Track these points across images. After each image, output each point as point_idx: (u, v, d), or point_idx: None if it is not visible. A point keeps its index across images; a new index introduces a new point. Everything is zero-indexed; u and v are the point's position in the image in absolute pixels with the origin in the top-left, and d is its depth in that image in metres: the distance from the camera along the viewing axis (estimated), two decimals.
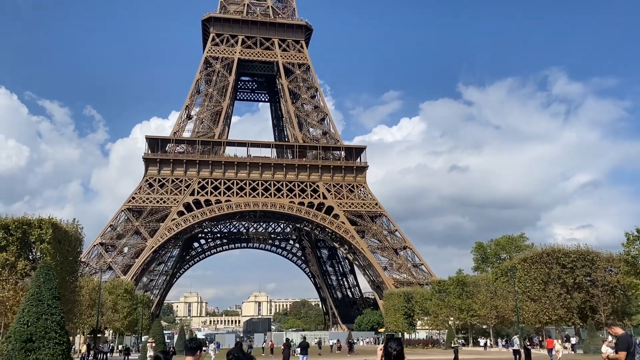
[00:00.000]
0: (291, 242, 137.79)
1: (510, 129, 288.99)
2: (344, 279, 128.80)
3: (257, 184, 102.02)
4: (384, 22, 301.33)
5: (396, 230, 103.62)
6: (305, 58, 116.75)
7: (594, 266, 43.17)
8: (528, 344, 30.80)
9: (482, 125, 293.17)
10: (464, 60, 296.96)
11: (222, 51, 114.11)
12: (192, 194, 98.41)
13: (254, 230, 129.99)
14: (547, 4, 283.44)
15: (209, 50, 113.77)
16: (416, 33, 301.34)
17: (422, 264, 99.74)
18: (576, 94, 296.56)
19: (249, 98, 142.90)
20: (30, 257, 31.59)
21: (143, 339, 58.70)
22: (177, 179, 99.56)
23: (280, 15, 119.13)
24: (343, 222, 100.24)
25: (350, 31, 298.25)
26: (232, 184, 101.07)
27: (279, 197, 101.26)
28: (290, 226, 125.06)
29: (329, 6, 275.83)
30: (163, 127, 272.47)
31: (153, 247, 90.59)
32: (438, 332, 68.74)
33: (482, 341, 57.41)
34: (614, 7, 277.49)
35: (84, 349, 41.17)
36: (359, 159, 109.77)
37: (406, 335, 70.64)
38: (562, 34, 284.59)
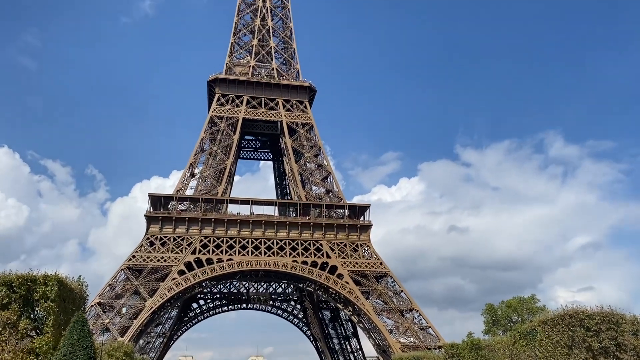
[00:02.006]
0: (292, 303, 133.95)
1: (508, 190, 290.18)
2: (347, 343, 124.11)
3: (260, 243, 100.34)
4: (383, 85, 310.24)
5: (402, 291, 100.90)
6: (309, 118, 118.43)
7: (619, 329, 41.21)
8: None
9: (481, 186, 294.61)
10: (461, 122, 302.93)
11: (227, 111, 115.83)
12: (193, 252, 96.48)
13: (254, 291, 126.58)
14: (540, 69, 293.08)
15: (214, 109, 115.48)
16: (414, 95, 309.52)
17: (429, 327, 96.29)
18: (573, 156, 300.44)
19: (252, 157, 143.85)
20: (33, 316, 29.88)
21: None
22: (178, 237, 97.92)
23: (284, 77, 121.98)
24: (347, 282, 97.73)
25: (351, 93, 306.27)
26: (235, 242, 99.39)
27: (281, 256, 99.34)
28: (292, 286, 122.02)
29: (330, 68, 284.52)
30: (164, 186, 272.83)
31: (152, 307, 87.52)
32: None
33: None
34: (606, 73, 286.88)
35: None
36: (362, 217, 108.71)
37: None
38: (556, 98, 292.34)
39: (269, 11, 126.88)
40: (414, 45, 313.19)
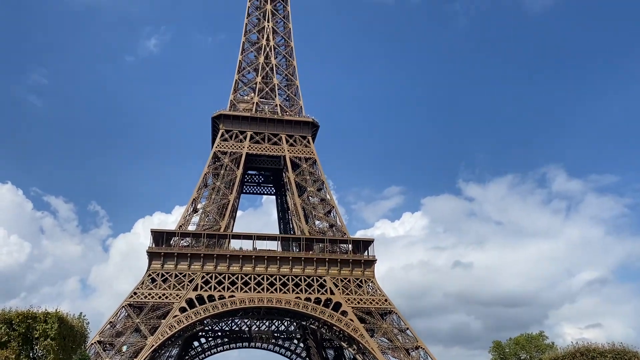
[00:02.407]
0: (295, 341, 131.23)
1: (512, 224, 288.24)
2: None
3: (262, 279, 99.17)
4: (385, 119, 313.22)
5: (407, 328, 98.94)
6: (312, 152, 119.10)
7: None
8: None
9: (484, 221, 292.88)
10: (463, 157, 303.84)
11: (231, 146, 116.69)
12: (195, 289, 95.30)
13: (256, 329, 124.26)
14: (541, 103, 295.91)
15: (218, 145, 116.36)
16: (416, 130, 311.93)
17: None
18: (576, 190, 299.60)
19: (255, 191, 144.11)
20: (32, 354, 29.21)
21: None
22: (180, 273, 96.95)
23: (287, 113, 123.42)
24: (351, 320, 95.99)
25: (353, 128, 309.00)
26: (237, 278, 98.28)
27: (284, 293, 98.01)
28: (295, 324, 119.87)
29: (333, 103, 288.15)
30: (166, 222, 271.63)
31: (153, 345, 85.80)
32: None
33: None
34: (606, 107, 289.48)
35: None
36: (366, 252, 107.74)
37: None
38: (558, 132, 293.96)
39: (272, 49, 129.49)
40: (416, 80, 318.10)
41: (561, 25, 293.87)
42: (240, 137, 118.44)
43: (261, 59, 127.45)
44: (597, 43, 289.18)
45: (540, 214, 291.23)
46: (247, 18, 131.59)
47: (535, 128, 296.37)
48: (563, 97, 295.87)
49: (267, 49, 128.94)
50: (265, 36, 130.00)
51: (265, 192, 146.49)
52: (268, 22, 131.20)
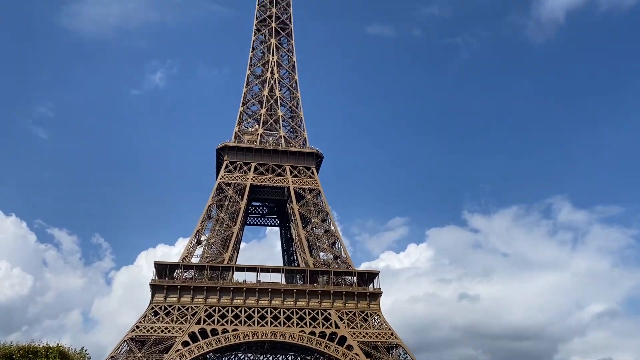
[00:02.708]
0: None
1: (518, 256, 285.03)
2: None
3: (266, 312, 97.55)
4: (389, 150, 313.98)
5: None
6: (316, 183, 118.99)
7: None
8: None
9: (490, 252, 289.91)
10: (467, 188, 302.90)
11: (235, 177, 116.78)
12: (198, 322, 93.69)
13: None
14: (544, 135, 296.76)
15: (222, 176, 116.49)
16: (420, 161, 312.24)
17: None
18: (582, 222, 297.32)
19: (259, 223, 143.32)
20: None
21: None
22: (183, 307, 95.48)
23: (291, 144, 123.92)
24: (357, 354, 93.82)
25: (357, 159, 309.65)
26: (240, 311, 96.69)
27: (288, 326, 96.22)
28: (300, 358, 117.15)
29: (336, 134, 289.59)
30: (169, 254, 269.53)
31: None
32: None
33: None
34: (609, 138, 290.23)
35: None
36: (372, 284, 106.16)
37: None
38: (562, 163, 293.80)
39: (277, 82, 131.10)
40: (419, 112, 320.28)
41: (564, 57, 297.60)
42: (245, 168, 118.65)
43: (266, 92, 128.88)
44: (600, 74, 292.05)
45: (546, 245, 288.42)
46: (252, 52, 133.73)
47: (539, 159, 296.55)
48: (566, 128, 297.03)
49: (272, 82, 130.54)
50: (269, 69, 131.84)
51: (269, 224, 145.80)
52: (273, 55, 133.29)
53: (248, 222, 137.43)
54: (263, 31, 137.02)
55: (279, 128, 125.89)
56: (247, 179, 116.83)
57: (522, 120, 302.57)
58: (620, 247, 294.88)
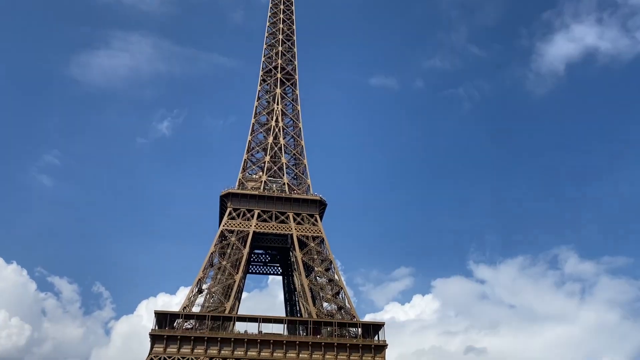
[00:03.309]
0: None
1: (525, 308, 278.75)
2: None
3: None
4: (394, 200, 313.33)
5: None
6: (320, 231, 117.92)
7: None
8: None
9: (497, 304, 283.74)
10: (473, 238, 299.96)
11: (238, 224, 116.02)
12: None
13: None
14: (550, 185, 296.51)
15: (225, 223, 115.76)
16: (426, 210, 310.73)
17: None
18: (589, 273, 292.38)
19: (261, 271, 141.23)
20: None
21: None
22: (183, 358, 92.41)
23: (295, 191, 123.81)
24: None
25: (360, 208, 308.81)
26: None
27: None
28: None
29: (340, 183, 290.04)
30: (170, 303, 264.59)
31: None
32: None
33: None
34: (616, 189, 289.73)
35: None
36: (376, 336, 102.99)
37: None
38: (567, 214, 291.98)
39: (281, 130, 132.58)
40: (424, 162, 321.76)
41: (565, 108, 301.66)
42: (248, 215, 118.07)
43: (270, 139, 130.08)
44: (601, 125, 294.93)
45: (553, 296, 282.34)
46: (257, 101, 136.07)
47: (544, 209, 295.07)
48: (570, 178, 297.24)
49: (276, 130, 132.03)
50: (274, 117, 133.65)
51: (272, 272, 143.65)
52: (277, 104, 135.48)
53: (250, 271, 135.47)
54: (268, 81, 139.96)
55: (283, 175, 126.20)
56: (250, 226, 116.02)
57: (526, 170, 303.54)
58: (629, 299, 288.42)
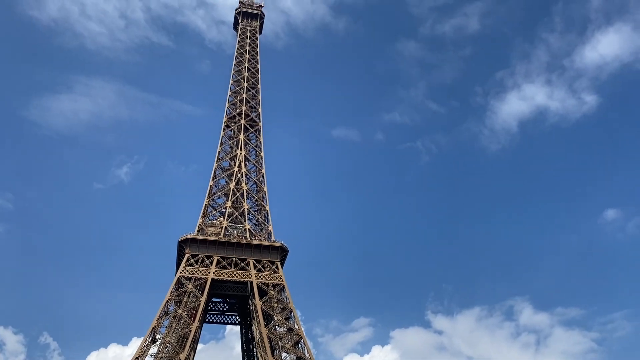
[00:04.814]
0: None
1: (482, 359, 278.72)
2: None
3: None
4: (353, 248, 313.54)
5: None
6: (281, 278, 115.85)
7: None
8: None
9: (455, 355, 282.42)
10: (431, 287, 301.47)
11: (196, 271, 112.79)
12: None
13: None
14: (504, 236, 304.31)
15: (183, 270, 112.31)
16: (385, 260, 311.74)
17: None
18: (543, 324, 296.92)
19: (218, 320, 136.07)
20: None
21: None
22: None
23: (256, 237, 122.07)
24: None
25: (321, 256, 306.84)
26: None
27: None
28: None
29: (301, 229, 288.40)
30: (122, 355, 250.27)
31: None
32: None
33: None
34: (568, 240, 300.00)
35: None
36: None
37: None
38: (522, 265, 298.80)
39: (244, 176, 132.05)
40: (383, 212, 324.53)
41: (519, 163, 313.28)
42: (207, 261, 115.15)
43: (232, 185, 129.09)
44: (553, 179, 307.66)
45: (510, 347, 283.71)
46: (220, 146, 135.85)
47: (498, 260, 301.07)
48: (524, 229, 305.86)
49: (239, 175, 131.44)
50: (237, 163, 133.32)
51: (230, 322, 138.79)
52: (241, 150, 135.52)
53: (207, 320, 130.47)
54: (232, 127, 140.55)
55: (244, 221, 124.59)
56: (209, 273, 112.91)
57: (481, 221, 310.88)
58: (582, 350, 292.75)
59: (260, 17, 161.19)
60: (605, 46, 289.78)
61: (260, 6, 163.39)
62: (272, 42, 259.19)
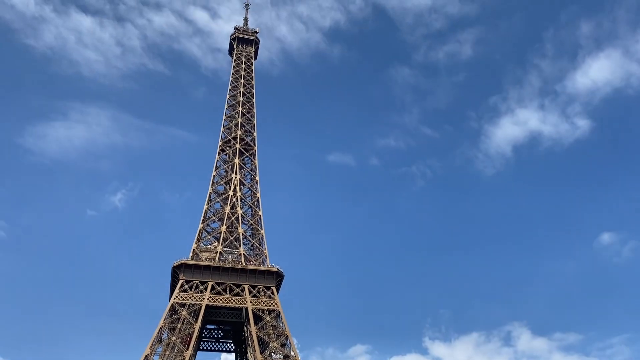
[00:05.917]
0: None
1: None
2: None
3: None
4: (350, 274, 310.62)
5: None
6: (276, 304, 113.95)
7: None
8: None
9: None
10: (428, 314, 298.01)
11: (190, 297, 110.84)
12: None
13: None
14: (503, 261, 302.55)
15: (177, 296, 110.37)
16: (381, 286, 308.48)
17: None
18: (542, 349, 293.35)
19: (213, 348, 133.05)
20: None
21: None
22: None
23: (251, 262, 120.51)
24: None
25: (317, 282, 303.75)
26: None
27: None
28: None
29: (297, 255, 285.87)
30: None
31: None
32: None
33: None
34: (565, 265, 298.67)
35: None
36: None
37: None
38: (519, 290, 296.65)
39: (239, 200, 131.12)
40: (380, 237, 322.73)
41: (513, 188, 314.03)
42: (201, 287, 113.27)
43: (227, 209, 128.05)
44: (549, 202, 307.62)
45: None
46: (215, 170, 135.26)
47: (495, 285, 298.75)
48: (520, 254, 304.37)
49: (234, 199, 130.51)
50: (232, 187, 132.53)
51: (224, 349, 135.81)
52: (236, 174, 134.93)
53: (202, 347, 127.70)
54: (227, 151, 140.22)
55: (239, 246, 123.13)
56: (203, 299, 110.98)
57: (477, 246, 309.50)
58: None
59: (255, 43, 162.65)
60: (597, 71, 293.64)
61: (256, 32, 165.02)
62: (267, 69, 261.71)
